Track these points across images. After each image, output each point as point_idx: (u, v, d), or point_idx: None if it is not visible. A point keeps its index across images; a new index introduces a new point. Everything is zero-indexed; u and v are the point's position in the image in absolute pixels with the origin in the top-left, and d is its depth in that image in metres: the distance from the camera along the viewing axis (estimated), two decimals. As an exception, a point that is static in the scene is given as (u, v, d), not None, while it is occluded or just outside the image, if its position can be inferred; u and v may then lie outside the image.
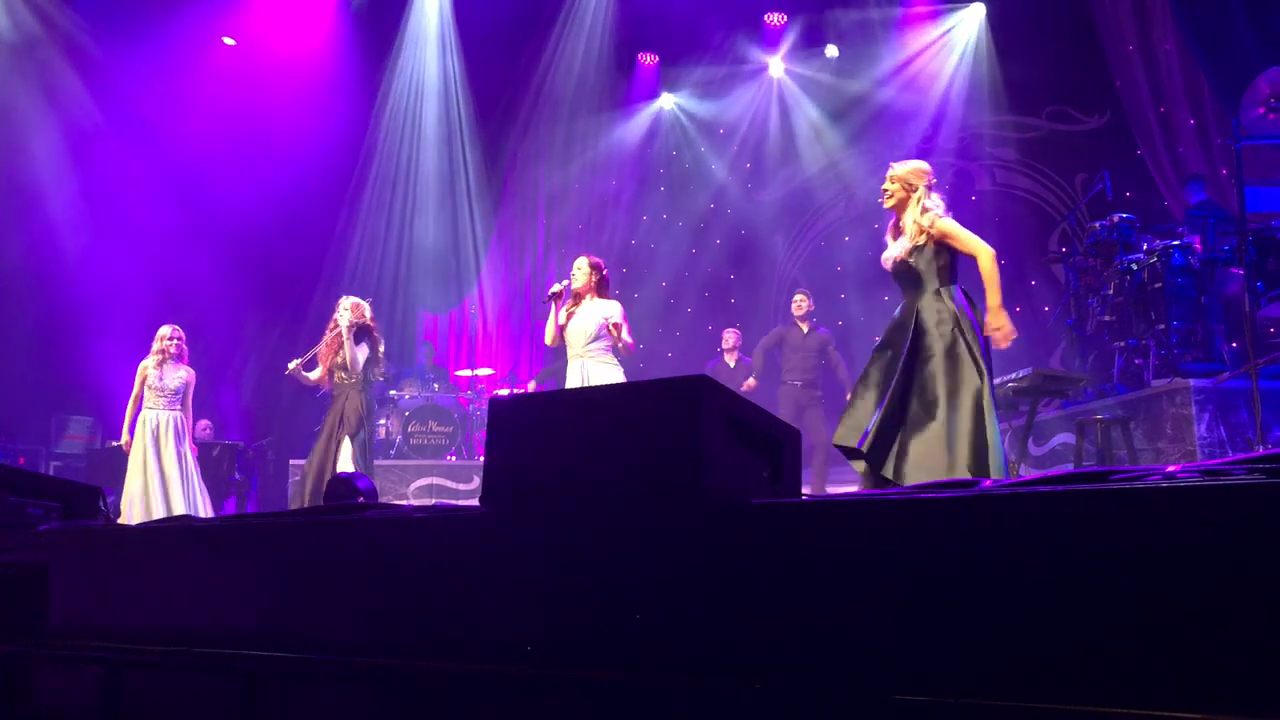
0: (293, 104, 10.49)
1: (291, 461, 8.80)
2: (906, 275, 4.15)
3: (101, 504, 3.25)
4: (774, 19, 11.81)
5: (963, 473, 3.67)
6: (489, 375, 11.07)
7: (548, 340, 5.80)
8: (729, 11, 11.51)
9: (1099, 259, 6.97)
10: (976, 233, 4.14)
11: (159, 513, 6.47)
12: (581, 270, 5.72)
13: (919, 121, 11.34)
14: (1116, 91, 9.54)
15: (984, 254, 4.02)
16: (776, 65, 12.13)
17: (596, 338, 5.59)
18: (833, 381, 8.38)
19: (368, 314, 6.59)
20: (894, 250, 4.21)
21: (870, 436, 3.87)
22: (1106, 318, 6.70)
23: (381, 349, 6.64)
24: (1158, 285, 6.17)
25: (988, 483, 1.60)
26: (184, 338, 6.98)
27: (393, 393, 9.84)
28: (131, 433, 6.81)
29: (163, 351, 6.85)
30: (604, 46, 11.87)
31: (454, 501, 7.19)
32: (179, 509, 6.55)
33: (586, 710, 1.57)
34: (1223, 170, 8.34)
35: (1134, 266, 6.38)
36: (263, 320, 10.97)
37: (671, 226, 12.63)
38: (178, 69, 10.00)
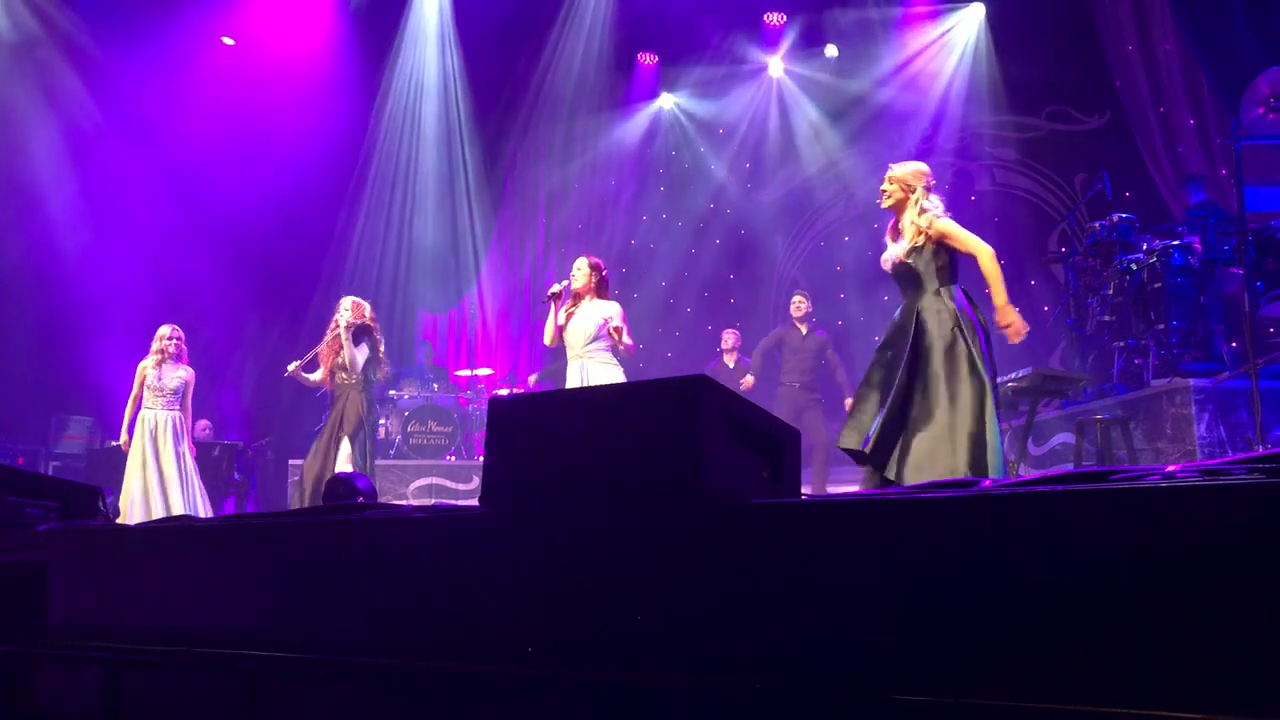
0: (292, 104, 10.49)
1: (291, 461, 8.80)
2: (906, 276, 4.15)
3: (101, 504, 3.25)
4: (773, 19, 11.81)
5: (964, 473, 3.67)
6: (488, 375, 11.06)
7: (547, 340, 5.80)
8: (728, 11, 11.50)
9: (1098, 259, 6.97)
10: (976, 233, 4.14)
11: (158, 513, 6.47)
12: (581, 271, 5.72)
13: (918, 121, 11.34)
14: (1116, 91, 9.54)
15: (983, 253, 4.03)
16: (776, 65, 12.12)
17: (596, 338, 5.59)
18: (831, 383, 8.39)
19: (368, 314, 6.59)
20: (893, 252, 4.21)
21: (873, 438, 3.88)
22: (1106, 318, 6.70)
23: (382, 349, 6.64)
24: (1157, 285, 6.18)
25: (987, 483, 1.60)
26: (183, 337, 6.97)
27: (392, 393, 9.84)
28: (130, 433, 6.81)
29: (162, 351, 6.85)
30: (603, 46, 11.87)
31: (453, 501, 7.19)
32: (177, 509, 6.55)
33: (586, 710, 1.57)
34: (1222, 170, 8.35)
35: (1133, 266, 6.38)
36: (262, 320, 10.97)
37: (671, 226, 12.63)
38: (177, 69, 9.99)
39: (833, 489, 7.59)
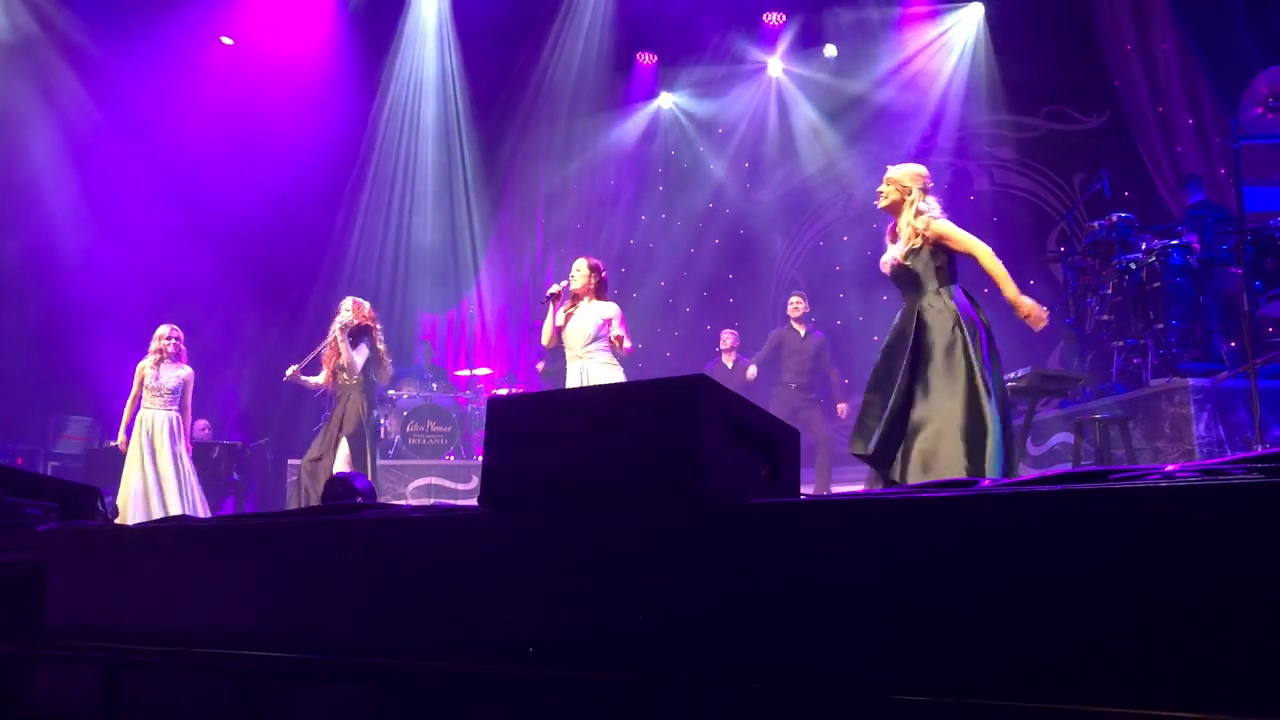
0: (291, 103, 10.49)
1: (290, 461, 8.80)
2: (905, 278, 4.16)
3: (100, 504, 3.25)
4: (772, 18, 11.81)
5: (965, 472, 3.68)
6: (487, 375, 11.06)
7: (545, 341, 5.80)
8: (728, 11, 11.51)
9: (1097, 258, 6.97)
10: (974, 232, 4.15)
11: (155, 513, 6.47)
12: (580, 272, 5.72)
13: (917, 121, 11.34)
14: (1115, 91, 9.55)
15: (982, 253, 4.04)
16: (775, 65, 12.13)
17: (595, 339, 5.60)
18: (827, 384, 8.41)
19: (367, 312, 6.59)
20: (891, 254, 4.22)
21: (876, 440, 3.90)
22: (1105, 317, 6.70)
23: (382, 348, 6.63)
24: (1156, 285, 6.18)
25: (986, 482, 1.60)
26: (181, 337, 6.97)
27: (391, 392, 9.84)
28: (129, 433, 6.81)
29: (160, 351, 6.85)
30: (603, 46, 11.87)
31: (452, 501, 7.19)
32: (175, 509, 6.54)
33: (586, 710, 1.57)
34: (1221, 170, 8.35)
35: (1132, 266, 6.38)
36: (261, 320, 10.97)
37: (670, 226, 12.63)
38: (176, 69, 9.99)
39: (837, 489, 7.59)
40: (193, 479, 6.84)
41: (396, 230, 11.99)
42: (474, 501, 1.95)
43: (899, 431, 3.92)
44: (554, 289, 5.69)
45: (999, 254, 4.09)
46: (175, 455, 6.73)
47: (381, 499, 5.99)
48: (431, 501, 8.20)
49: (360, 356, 6.43)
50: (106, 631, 2.20)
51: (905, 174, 4.24)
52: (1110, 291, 6.65)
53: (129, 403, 6.89)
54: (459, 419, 9.88)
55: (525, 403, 1.96)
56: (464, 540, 1.82)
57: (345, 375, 6.43)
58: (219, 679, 1.98)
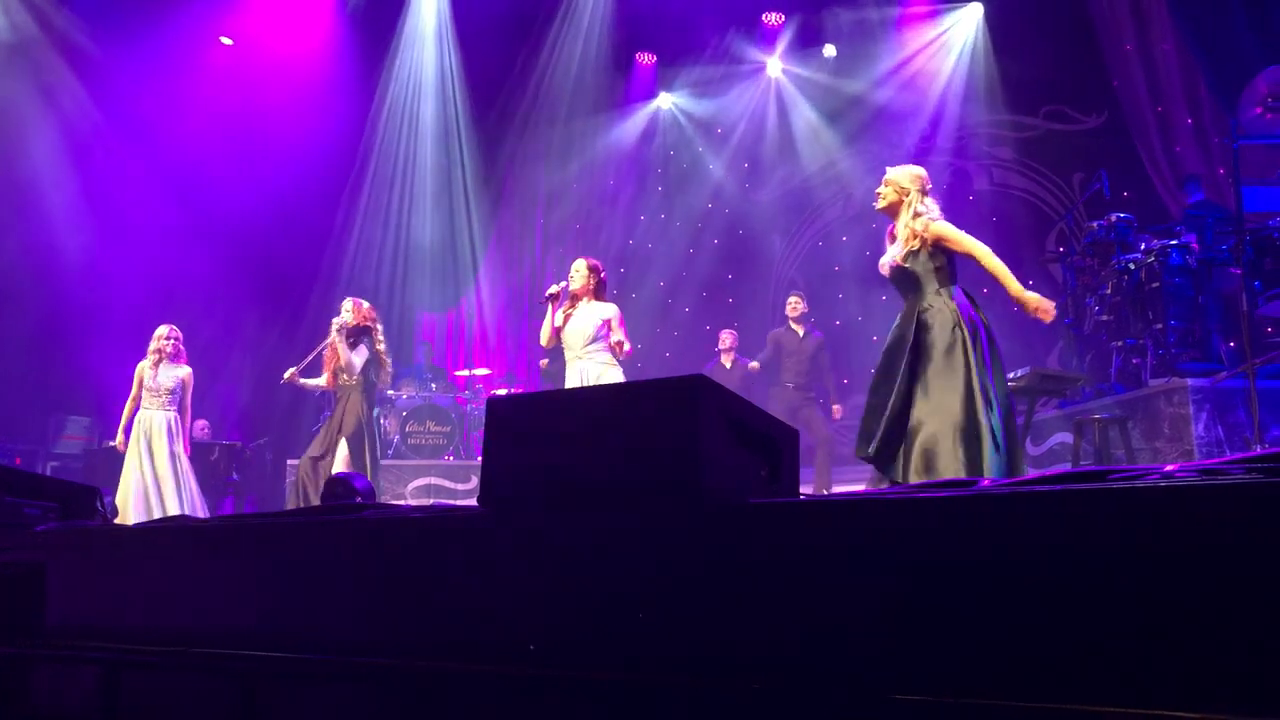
0: (290, 104, 10.49)
1: (289, 461, 8.81)
2: (904, 280, 4.16)
3: (99, 504, 3.25)
4: (772, 18, 11.81)
5: (965, 472, 3.68)
6: (486, 375, 11.06)
7: (543, 341, 5.80)
8: (727, 11, 11.51)
9: (1096, 258, 6.98)
10: (973, 232, 4.15)
11: (154, 513, 6.47)
12: (580, 272, 5.72)
13: (917, 121, 11.34)
14: (1114, 91, 9.55)
15: (982, 253, 4.04)
16: (774, 65, 12.13)
17: (595, 339, 5.60)
18: (825, 384, 8.43)
19: (366, 311, 6.58)
20: (890, 256, 4.22)
21: (877, 441, 3.91)
22: (1104, 317, 6.71)
23: (382, 348, 6.62)
24: (1155, 285, 6.18)
25: (985, 482, 1.60)
26: (180, 338, 6.96)
27: (390, 392, 9.84)
28: (127, 434, 6.80)
29: (159, 351, 6.85)
30: (602, 46, 11.87)
31: (452, 501, 7.19)
32: (173, 509, 6.54)
33: (586, 710, 1.57)
34: (1220, 170, 8.35)
35: (1131, 266, 6.38)
36: (261, 320, 10.97)
37: (669, 226, 12.63)
38: (175, 69, 9.99)
39: (837, 489, 7.60)
40: (191, 479, 6.84)
41: (396, 230, 11.99)
42: (474, 501, 1.95)
43: (899, 432, 3.92)
44: (553, 289, 5.69)
45: (998, 254, 4.09)
46: (173, 455, 6.72)
47: (381, 499, 5.99)
48: (431, 501, 8.20)
49: (359, 357, 6.42)
50: (106, 631, 2.20)
51: (903, 175, 4.24)
52: (1109, 291, 6.65)
53: (129, 403, 6.89)
54: (458, 419, 9.88)
55: (525, 403, 1.96)
56: (464, 540, 1.82)
57: (345, 376, 6.43)
58: (219, 679, 1.98)
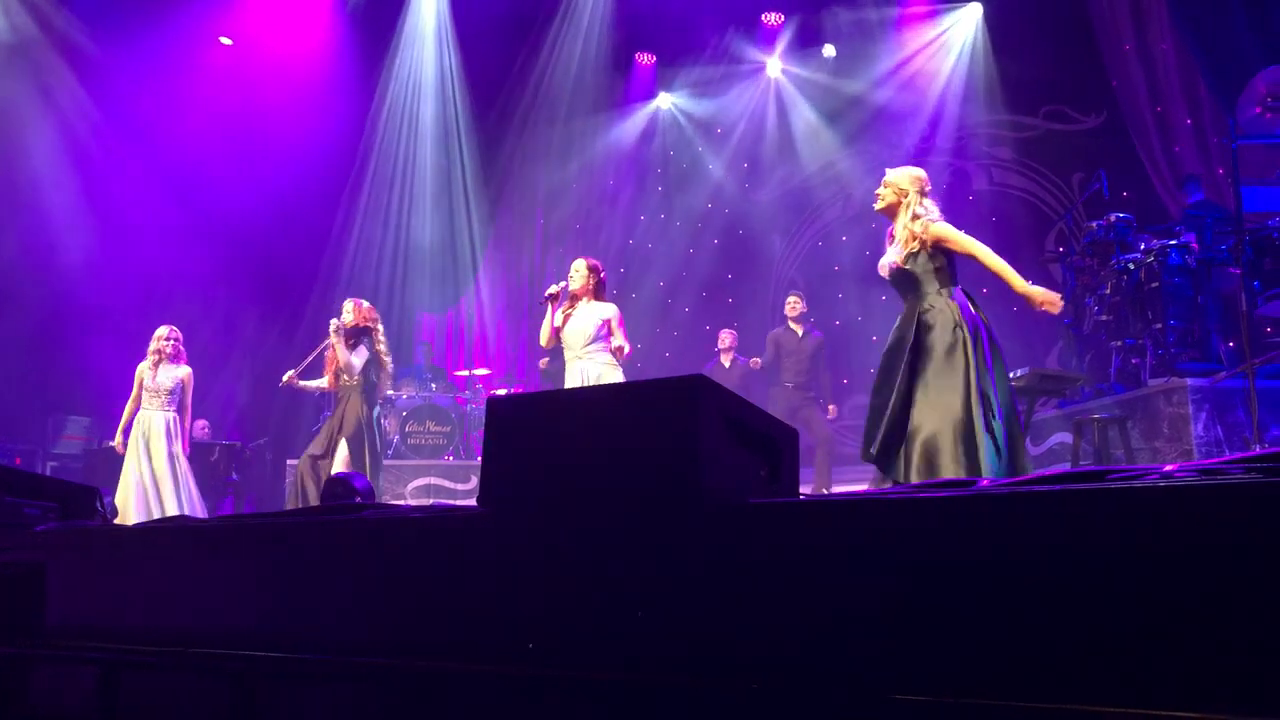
0: (290, 104, 10.48)
1: (289, 461, 8.81)
2: (904, 281, 4.16)
3: (99, 504, 3.25)
4: (771, 19, 11.81)
5: (964, 473, 3.68)
6: (486, 375, 11.06)
7: (543, 341, 5.80)
8: (726, 11, 11.51)
9: (1096, 258, 6.98)
10: (973, 232, 4.15)
11: (154, 513, 6.47)
12: (579, 272, 5.72)
13: (916, 121, 11.34)
14: (1113, 91, 9.55)
15: (982, 253, 4.03)
16: (774, 65, 12.13)
17: (595, 339, 5.60)
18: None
19: (366, 311, 6.58)
20: (889, 257, 4.22)
21: (878, 442, 3.91)
22: (1103, 317, 6.71)
23: (382, 349, 6.62)
24: (1154, 285, 6.18)
25: (985, 482, 1.60)
26: (180, 338, 6.96)
27: (390, 392, 9.83)
28: (126, 434, 6.80)
29: (158, 352, 6.84)
30: (601, 46, 11.87)
31: (452, 501, 7.19)
32: (171, 509, 6.54)
33: (586, 710, 1.57)
34: (1219, 169, 8.36)
35: (1131, 266, 6.38)
36: (260, 320, 10.97)
37: (669, 226, 12.63)
38: (175, 69, 9.99)
39: (837, 489, 7.60)
40: (189, 479, 6.84)
41: (395, 230, 11.99)
42: (474, 501, 1.95)
43: (900, 432, 3.93)
44: (552, 289, 5.69)
45: (997, 253, 4.09)
46: (171, 455, 6.72)
47: (381, 499, 5.99)
48: (431, 501, 8.20)
49: (359, 358, 6.42)
50: (105, 631, 2.20)
51: (902, 177, 4.24)
52: (1109, 291, 6.65)
53: (129, 404, 6.89)
54: (458, 419, 9.88)
55: (525, 403, 1.96)
56: (464, 540, 1.82)
57: (345, 377, 6.43)
58: (218, 679, 1.98)
